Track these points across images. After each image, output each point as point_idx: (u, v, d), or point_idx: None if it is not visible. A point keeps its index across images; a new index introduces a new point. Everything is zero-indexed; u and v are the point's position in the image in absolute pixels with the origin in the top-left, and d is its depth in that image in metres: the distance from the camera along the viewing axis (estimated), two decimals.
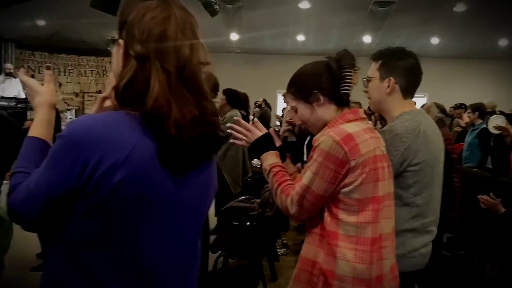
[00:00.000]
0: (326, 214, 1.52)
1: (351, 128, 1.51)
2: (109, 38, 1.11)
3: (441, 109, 4.73)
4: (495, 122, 5.48)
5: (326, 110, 1.61)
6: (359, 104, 6.14)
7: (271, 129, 1.88)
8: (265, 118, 8.19)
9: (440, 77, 12.62)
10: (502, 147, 5.90)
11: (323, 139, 1.50)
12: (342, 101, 1.60)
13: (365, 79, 1.95)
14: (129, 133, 0.97)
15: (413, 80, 1.91)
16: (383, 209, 1.54)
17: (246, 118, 4.90)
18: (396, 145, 1.76)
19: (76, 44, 11.64)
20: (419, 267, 1.89)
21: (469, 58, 12.36)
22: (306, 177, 1.52)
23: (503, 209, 3.48)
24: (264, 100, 10.44)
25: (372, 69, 1.93)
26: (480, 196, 3.60)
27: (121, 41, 1.06)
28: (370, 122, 1.69)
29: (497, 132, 5.40)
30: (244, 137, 1.79)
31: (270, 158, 1.70)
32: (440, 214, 1.97)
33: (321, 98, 1.59)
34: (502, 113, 6.51)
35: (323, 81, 1.58)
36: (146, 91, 0.98)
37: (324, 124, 1.62)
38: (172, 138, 0.98)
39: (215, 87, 4.47)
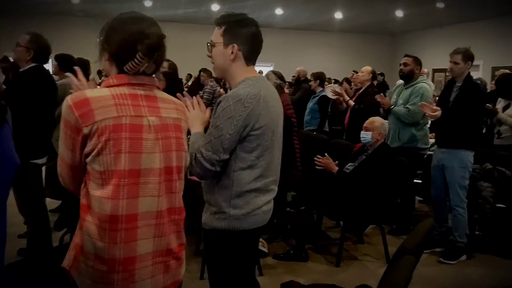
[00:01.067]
0: (82, 185, 1.44)
1: (97, 92, 1.40)
2: None
3: (279, 76, 5.00)
4: (332, 88, 6.01)
5: (110, 68, 1.51)
6: None
7: None
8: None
9: (284, 47, 13.35)
10: (338, 113, 6.53)
11: (63, 104, 1.40)
12: (123, 70, 1.46)
13: (208, 44, 1.96)
14: None
15: (255, 48, 1.96)
16: (140, 186, 1.40)
17: None
18: (239, 110, 1.80)
19: None
20: (262, 224, 2.01)
21: (309, 30, 13.27)
22: (59, 145, 1.44)
23: (336, 168, 3.89)
24: None
25: (216, 35, 1.93)
26: (317, 156, 3.96)
27: None
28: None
29: (334, 97, 5.93)
30: None
31: None
32: (282, 174, 2.11)
33: (107, 56, 1.49)
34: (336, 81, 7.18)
35: (114, 43, 1.46)
36: None
37: None
38: None
39: None
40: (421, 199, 5.46)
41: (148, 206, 1.43)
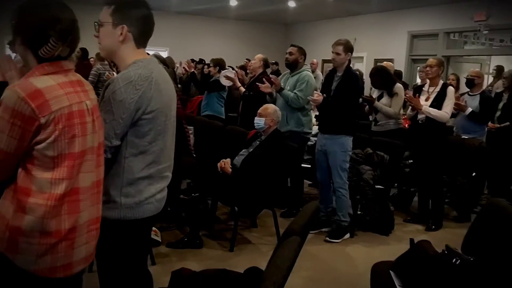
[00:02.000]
0: (20, 170, 1.49)
1: (43, 82, 1.45)
2: None
3: (161, 60, 4.89)
4: (225, 74, 6.04)
5: (24, 54, 1.53)
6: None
7: None
8: None
9: (180, 32, 13.09)
10: (233, 99, 6.61)
11: (7, 94, 1.41)
12: (39, 57, 1.51)
13: (96, 23, 1.85)
14: None
15: (145, 30, 1.89)
16: (83, 164, 1.55)
17: None
18: (131, 93, 1.73)
19: None
20: (155, 212, 1.96)
21: (205, 15, 13.15)
22: None
23: (230, 170, 3.92)
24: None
25: (104, 14, 1.82)
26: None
27: None
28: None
29: (228, 83, 5.97)
30: None
31: None
32: (175, 160, 2.08)
33: (20, 41, 1.52)
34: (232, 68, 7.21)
35: (26, 28, 1.51)
36: None
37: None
38: None
39: None
40: (310, 182, 5.75)
41: (87, 181, 1.58)
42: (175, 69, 8.34)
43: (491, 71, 8.63)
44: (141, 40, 1.89)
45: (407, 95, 4.65)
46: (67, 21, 1.51)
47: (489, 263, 2.16)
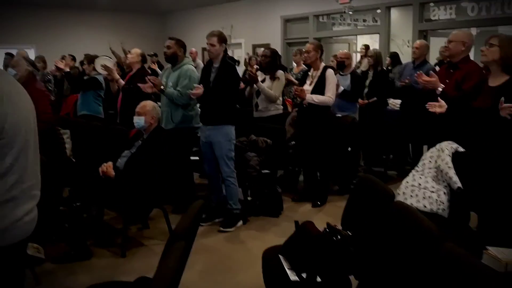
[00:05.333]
0: None
1: None
2: None
3: (31, 62, 4.55)
4: (102, 62, 5.72)
5: None
6: None
7: None
8: None
9: (47, 27, 12.13)
10: (111, 96, 6.28)
11: None
12: None
13: None
14: None
15: None
16: None
17: None
18: None
19: None
20: (24, 237, 1.80)
21: (72, 7, 12.30)
22: None
23: (113, 173, 3.75)
24: None
25: None
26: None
27: None
28: None
29: (104, 72, 5.67)
30: None
31: None
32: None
33: None
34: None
35: None
36: None
37: None
38: None
39: None
40: (199, 174, 5.74)
41: None
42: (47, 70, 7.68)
43: (358, 49, 9.32)
44: None
45: (294, 87, 4.82)
46: None
47: (363, 236, 2.34)
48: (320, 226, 2.58)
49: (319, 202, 4.90)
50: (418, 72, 3.66)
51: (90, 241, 3.79)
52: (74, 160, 4.55)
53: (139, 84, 4.72)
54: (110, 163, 3.83)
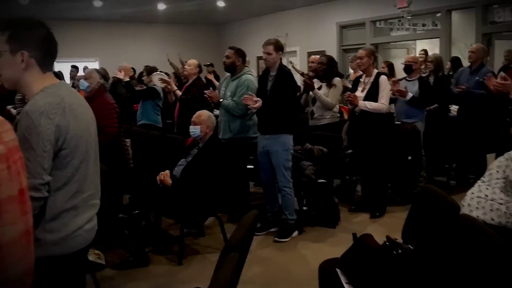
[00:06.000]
0: None
1: None
2: None
3: (102, 74, 4.74)
4: (158, 76, 5.90)
5: None
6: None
7: None
8: None
9: (109, 41, 12.68)
10: (169, 106, 6.43)
11: None
12: None
13: None
14: None
15: (49, 52, 1.75)
16: (2, 216, 1.33)
17: None
18: (46, 124, 1.61)
19: None
20: (85, 245, 1.85)
21: (133, 22, 12.81)
22: None
23: (170, 181, 3.81)
24: None
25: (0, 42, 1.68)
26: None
27: None
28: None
29: (162, 85, 5.83)
30: None
31: None
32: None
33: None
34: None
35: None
36: None
37: None
38: None
39: None
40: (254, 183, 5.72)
41: (10, 234, 1.33)
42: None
43: (417, 54, 9.00)
44: (46, 63, 1.75)
45: (347, 93, 4.72)
46: None
47: (426, 250, 2.22)
48: (379, 238, 2.48)
49: (378, 213, 4.74)
50: (487, 75, 3.48)
51: (148, 248, 3.87)
52: (133, 168, 4.67)
53: (205, 93, 4.73)
54: (167, 172, 3.90)
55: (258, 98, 4.07)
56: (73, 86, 6.52)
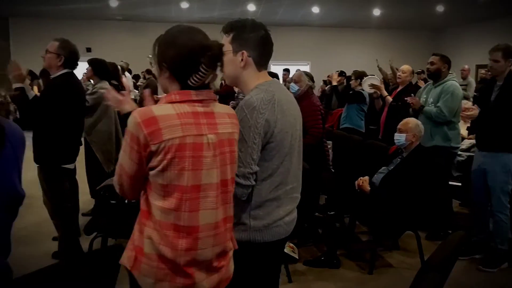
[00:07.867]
0: (142, 193, 1.52)
1: (162, 110, 1.43)
2: None
3: (310, 77, 4.90)
4: (369, 81, 5.86)
5: (170, 85, 1.54)
6: None
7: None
8: (150, 88, 7.91)
9: (321, 45, 13.16)
10: (374, 111, 6.35)
11: (129, 119, 1.45)
12: (186, 85, 1.50)
13: None
14: None
15: (265, 52, 1.90)
16: (200, 200, 1.48)
17: (117, 88, 4.65)
18: (256, 118, 1.75)
19: None
20: (284, 235, 1.94)
21: (347, 27, 13.02)
22: (120, 156, 1.50)
23: (369, 188, 3.74)
24: (148, 70, 10.10)
25: (225, 43, 1.85)
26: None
27: None
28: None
29: (371, 90, 5.78)
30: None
31: None
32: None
33: (168, 74, 1.52)
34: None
35: (173, 59, 1.50)
36: None
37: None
38: None
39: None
40: (460, 202, 5.23)
41: (207, 219, 1.50)
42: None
43: None
44: (262, 62, 1.89)
45: None
46: (216, 47, 1.49)
47: None
48: None
49: None
50: None
51: (340, 251, 3.87)
52: (333, 170, 4.73)
53: (406, 98, 4.57)
54: (366, 178, 3.84)
55: (473, 106, 3.72)
56: None
